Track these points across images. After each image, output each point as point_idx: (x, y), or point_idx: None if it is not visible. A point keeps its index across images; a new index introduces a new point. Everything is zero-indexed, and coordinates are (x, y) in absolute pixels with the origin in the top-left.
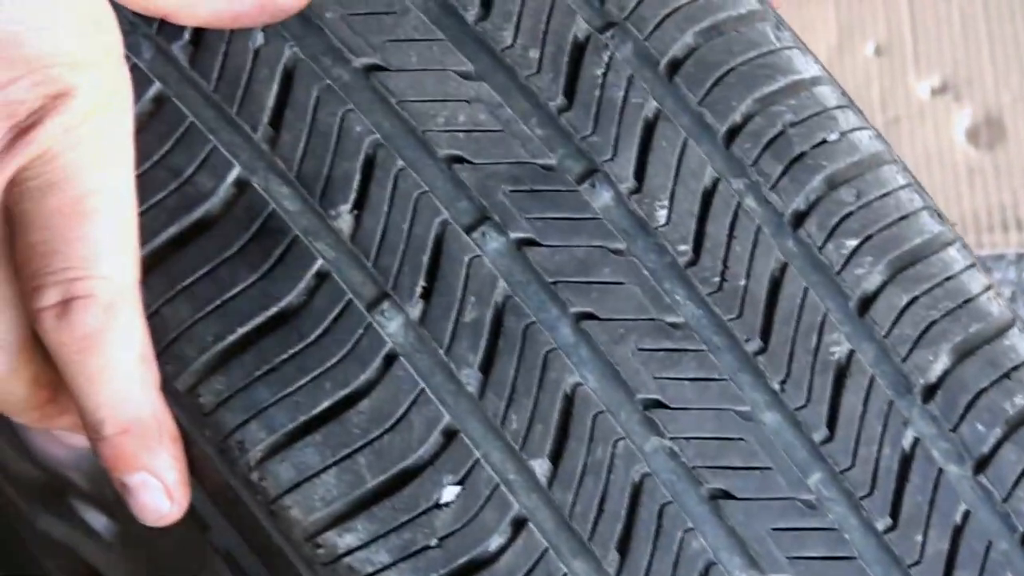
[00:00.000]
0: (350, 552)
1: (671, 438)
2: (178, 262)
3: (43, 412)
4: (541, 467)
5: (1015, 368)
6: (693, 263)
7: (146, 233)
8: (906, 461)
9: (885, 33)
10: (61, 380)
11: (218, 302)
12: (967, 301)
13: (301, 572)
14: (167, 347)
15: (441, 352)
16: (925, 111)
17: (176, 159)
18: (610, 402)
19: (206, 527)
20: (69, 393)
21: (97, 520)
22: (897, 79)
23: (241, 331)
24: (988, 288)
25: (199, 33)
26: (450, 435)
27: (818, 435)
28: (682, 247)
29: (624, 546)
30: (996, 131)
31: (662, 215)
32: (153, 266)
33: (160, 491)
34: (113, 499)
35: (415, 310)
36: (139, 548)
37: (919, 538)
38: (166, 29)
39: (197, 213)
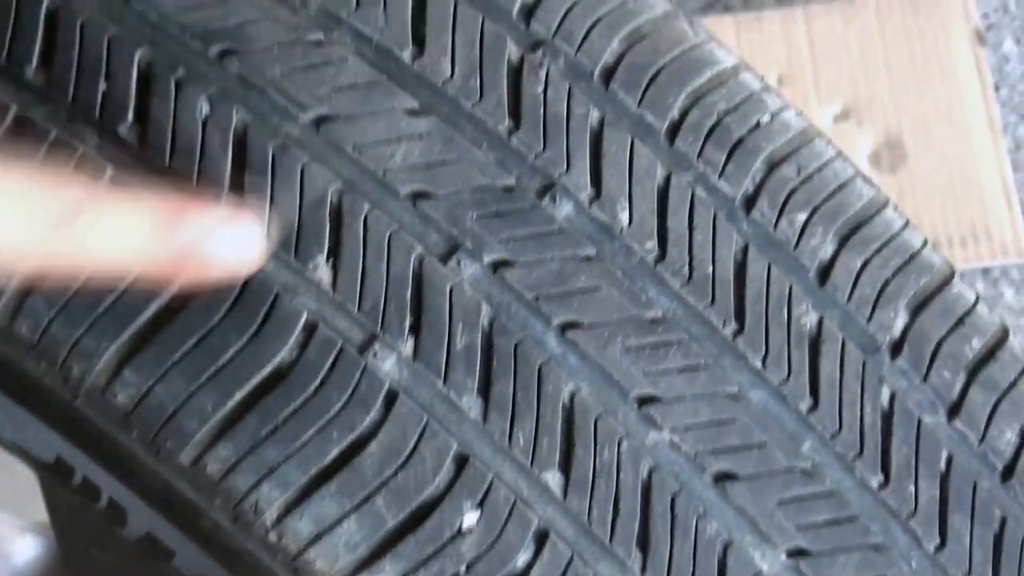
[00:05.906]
0: None
1: (670, 429)
2: (165, 337)
3: None
4: (554, 479)
5: (966, 314)
6: (661, 258)
7: (128, 315)
8: (887, 417)
9: (786, 63)
10: None
11: (212, 370)
12: (913, 256)
13: None
14: (166, 423)
15: (439, 383)
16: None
17: None
18: (607, 404)
19: None
20: None
21: None
22: (800, 108)
23: (240, 395)
24: (925, 243)
25: (144, 113)
26: (462, 461)
27: (804, 404)
28: (648, 244)
29: (644, 542)
30: (897, 154)
31: (624, 217)
32: (140, 345)
33: None
34: None
35: (407, 346)
36: None
37: (911, 489)
38: (106, 113)
39: (174, 287)
